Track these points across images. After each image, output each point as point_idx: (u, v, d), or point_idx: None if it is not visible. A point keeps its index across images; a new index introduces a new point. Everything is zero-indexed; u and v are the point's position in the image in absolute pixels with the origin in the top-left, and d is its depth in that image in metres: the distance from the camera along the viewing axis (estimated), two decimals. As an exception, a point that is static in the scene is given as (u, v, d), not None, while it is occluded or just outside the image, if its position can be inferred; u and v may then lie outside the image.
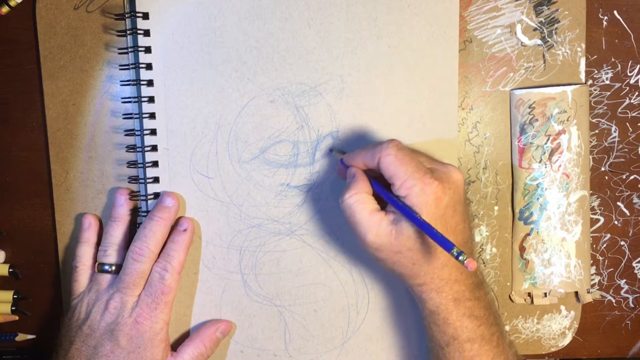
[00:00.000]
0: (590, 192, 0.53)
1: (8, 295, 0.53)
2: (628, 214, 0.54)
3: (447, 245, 0.38)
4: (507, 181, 0.53)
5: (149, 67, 0.49)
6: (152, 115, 0.49)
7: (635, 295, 0.55)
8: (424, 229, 0.40)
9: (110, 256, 0.48)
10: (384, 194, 0.43)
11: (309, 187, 0.51)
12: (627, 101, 0.53)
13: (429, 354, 0.47)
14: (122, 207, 0.49)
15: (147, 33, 0.48)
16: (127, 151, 0.50)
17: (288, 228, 0.51)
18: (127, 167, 0.51)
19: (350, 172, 0.45)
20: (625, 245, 0.55)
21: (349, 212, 0.43)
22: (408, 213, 0.41)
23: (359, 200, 0.43)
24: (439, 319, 0.43)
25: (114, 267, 0.48)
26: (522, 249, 0.53)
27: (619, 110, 0.53)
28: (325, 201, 0.51)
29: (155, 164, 0.50)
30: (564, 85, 0.51)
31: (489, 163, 0.52)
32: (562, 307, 0.54)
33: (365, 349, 0.53)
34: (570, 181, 0.52)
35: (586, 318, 0.55)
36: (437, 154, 0.51)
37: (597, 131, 0.53)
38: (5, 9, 0.50)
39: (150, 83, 0.49)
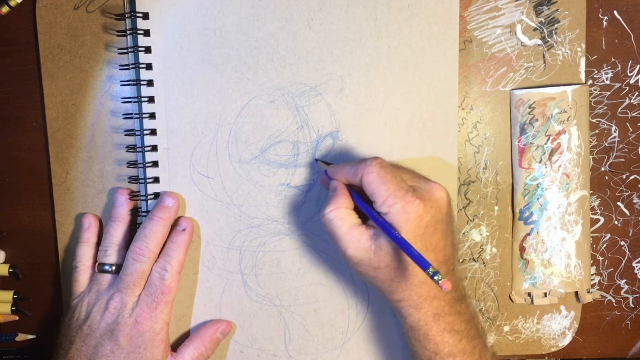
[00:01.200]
0: (590, 192, 0.53)
1: (8, 295, 0.53)
2: (628, 214, 0.54)
3: (423, 264, 0.38)
4: (507, 181, 0.53)
5: (149, 67, 0.49)
6: (152, 115, 0.49)
7: (635, 295, 0.55)
8: (401, 246, 0.40)
9: (111, 256, 0.48)
10: (365, 208, 0.43)
11: (309, 187, 0.51)
12: (627, 101, 0.53)
13: None
14: (122, 207, 0.49)
15: (147, 33, 0.48)
16: (127, 151, 0.50)
17: (288, 228, 0.51)
18: (127, 167, 0.51)
19: (332, 186, 0.45)
20: (625, 245, 0.55)
21: (329, 226, 0.43)
22: (387, 229, 0.41)
23: (339, 216, 0.43)
24: (419, 335, 0.43)
25: (114, 267, 0.48)
26: (522, 249, 0.53)
27: (619, 110, 0.53)
28: (325, 201, 0.51)
29: (155, 164, 0.50)
30: (564, 85, 0.51)
31: (489, 163, 0.52)
32: (562, 307, 0.54)
33: (365, 349, 0.53)
34: (570, 181, 0.52)
35: (586, 318, 0.55)
36: (437, 154, 0.51)
37: (597, 131, 0.53)
38: (5, 9, 0.50)
39: (150, 83, 0.49)
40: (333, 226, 0.43)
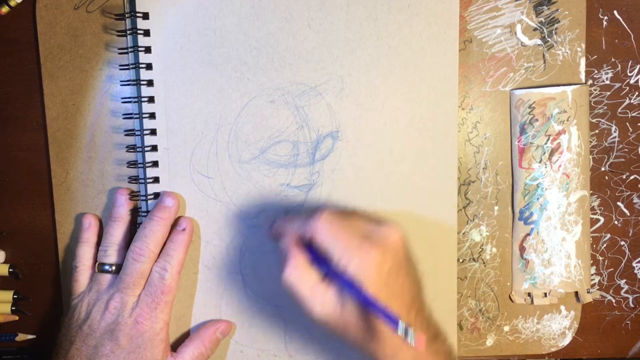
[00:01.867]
0: (590, 192, 0.53)
1: (8, 295, 0.53)
2: (628, 214, 0.54)
3: (393, 323, 0.37)
4: (507, 181, 0.53)
5: (149, 67, 0.49)
6: (152, 115, 0.49)
7: (635, 295, 0.55)
8: (367, 305, 0.39)
9: (111, 256, 0.48)
10: (324, 267, 0.42)
11: (309, 187, 0.51)
12: (627, 101, 0.53)
13: None
14: (122, 207, 0.49)
15: (147, 33, 0.48)
16: (127, 151, 0.50)
17: (288, 228, 0.51)
18: (127, 167, 0.51)
19: (282, 246, 0.44)
20: (625, 245, 0.55)
21: (290, 290, 0.42)
22: (350, 287, 0.40)
23: (298, 277, 0.41)
24: None
25: (114, 267, 0.48)
26: (522, 249, 0.53)
27: (619, 110, 0.53)
28: (325, 201, 0.51)
29: (155, 164, 0.50)
30: (564, 85, 0.51)
31: (489, 163, 0.52)
32: (562, 307, 0.54)
33: (365, 349, 0.53)
34: (570, 181, 0.52)
35: (586, 318, 0.55)
36: (437, 154, 0.51)
37: (597, 131, 0.53)
38: (5, 9, 0.50)
39: (150, 83, 0.49)
40: (295, 289, 0.41)
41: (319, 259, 0.42)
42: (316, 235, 0.41)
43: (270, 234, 0.47)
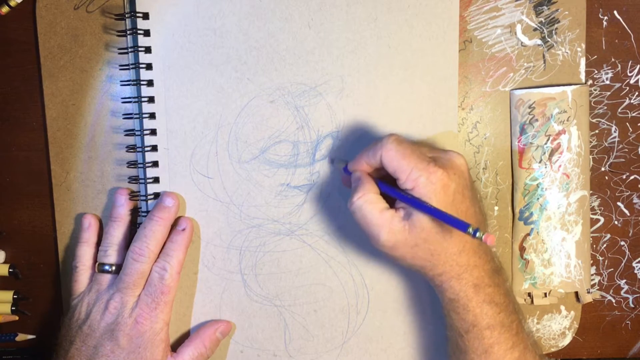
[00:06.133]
0: (590, 192, 0.53)
1: (8, 295, 0.53)
2: (628, 214, 0.54)
3: (462, 225, 0.39)
4: (507, 181, 0.53)
5: (149, 67, 0.49)
6: (152, 115, 0.49)
7: (635, 295, 0.55)
8: (436, 215, 0.40)
9: (111, 256, 0.48)
10: (391, 191, 0.43)
11: (309, 187, 0.51)
12: (627, 101, 0.53)
13: (447, 344, 0.47)
14: (122, 207, 0.49)
15: (147, 33, 0.48)
16: (127, 151, 0.50)
17: (288, 228, 0.51)
18: (127, 167, 0.51)
19: (354, 176, 0.45)
20: (625, 245, 0.55)
21: (359, 214, 0.43)
22: (418, 204, 0.41)
23: (368, 201, 0.43)
24: (458, 306, 0.43)
25: (114, 267, 0.48)
26: (522, 249, 0.53)
27: (619, 110, 0.53)
28: (325, 201, 0.51)
29: (155, 164, 0.50)
30: (564, 85, 0.51)
31: (489, 163, 0.52)
32: (562, 307, 0.54)
33: (365, 349, 0.53)
34: (570, 181, 0.52)
35: (586, 318, 0.55)
36: (437, 154, 0.51)
37: (597, 131, 0.53)
38: (5, 9, 0.50)
39: (150, 83, 0.49)
40: (363, 212, 0.42)
41: (387, 189, 0.43)
42: (385, 154, 0.42)
43: (345, 179, 0.48)
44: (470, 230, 0.38)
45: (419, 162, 0.41)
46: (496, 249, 0.53)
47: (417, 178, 0.41)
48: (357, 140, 0.50)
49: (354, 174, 0.45)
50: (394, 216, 0.42)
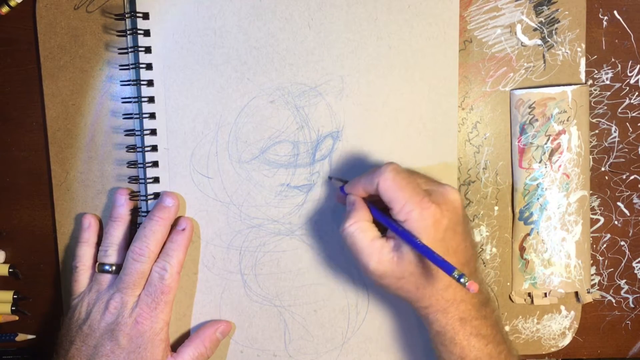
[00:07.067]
0: (590, 192, 0.53)
1: (8, 295, 0.53)
2: (628, 214, 0.54)
3: (448, 268, 0.39)
4: (507, 181, 0.53)
5: (149, 67, 0.49)
6: (152, 115, 0.49)
7: (635, 296, 0.55)
8: (424, 253, 0.40)
9: (111, 256, 0.48)
10: (384, 219, 0.43)
11: (309, 187, 0.51)
12: (627, 101, 0.53)
13: None
14: (122, 207, 0.49)
15: (147, 33, 0.48)
16: (127, 151, 0.50)
17: (288, 228, 0.51)
18: (127, 167, 0.51)
19: (349, 200, 0.45)
20: (625, 245, 0.55)
21: (350, 240, 0.43)
22: (408, 238, 0.41)
23: (360, 229, 0.43)
24: (445, 339, 0.43)
25: (114, 267, 0.48)
26: (522, 249, 0.53)
27: (619, 110, 0.53)
28: (325, 202, 0.51)
29: (155, 164, 0.50)
30: (564, 85, 0.51)
31: (489, 163, 0.52)
32: (562, 307, 0.54)
33: (365, 349, 0.53)
34: (570, 181, 0.52)
35: (586, 318, 0.55)
36: (437, 154, 0.51)
37: (597, 131, 0.53)
38: (5, 9, 0.50)
39: (150, 83, 0.49)
40: (354, 239, 0.43)
41: (380, 217, 0.43)
42: (382, 183, 0.42)
43: (340, 198, 0.48)
44: (456, 274, 0.38)
45: (414, 195, 0.41)
46: (496, 251, 0.53)
47: (410, 212, 0.41)
48: (357, 141, 0.50)
49: (349, 197, 0.46)
50: (383, 246, 0.43)
